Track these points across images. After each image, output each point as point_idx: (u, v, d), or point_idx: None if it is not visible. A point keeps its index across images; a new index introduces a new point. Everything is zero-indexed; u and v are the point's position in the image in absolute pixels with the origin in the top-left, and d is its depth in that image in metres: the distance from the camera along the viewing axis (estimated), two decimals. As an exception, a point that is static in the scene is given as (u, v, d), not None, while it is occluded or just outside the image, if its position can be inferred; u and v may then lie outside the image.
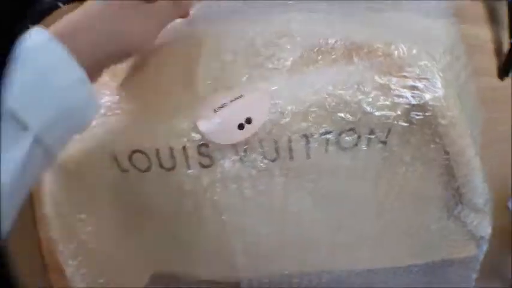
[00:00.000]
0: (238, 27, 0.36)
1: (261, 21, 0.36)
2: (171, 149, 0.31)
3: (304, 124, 0.31)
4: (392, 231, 0.38)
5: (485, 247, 0.40)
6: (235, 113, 0.30)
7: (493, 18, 0.48)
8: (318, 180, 0.33)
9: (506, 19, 0.46)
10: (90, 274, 0.39)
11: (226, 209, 0.33)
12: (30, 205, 0.49)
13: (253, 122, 0.30)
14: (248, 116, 0.30)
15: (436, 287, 0.43)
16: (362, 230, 0.37)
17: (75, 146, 0.32)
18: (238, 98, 0.31)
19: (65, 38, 0.24)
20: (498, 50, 0.48)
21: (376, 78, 0.30)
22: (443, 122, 0.30)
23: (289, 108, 0.31)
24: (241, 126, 0.30)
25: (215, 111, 0.31)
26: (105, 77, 0.38)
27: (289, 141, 0.31)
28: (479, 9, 0.48)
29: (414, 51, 0.31)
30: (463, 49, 0.37)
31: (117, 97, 0.35)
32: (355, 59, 0.32)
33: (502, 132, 0.45)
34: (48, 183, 0.35)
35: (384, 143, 0.32)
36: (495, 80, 0.47)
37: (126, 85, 0.36)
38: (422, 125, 0.31)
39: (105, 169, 0.33)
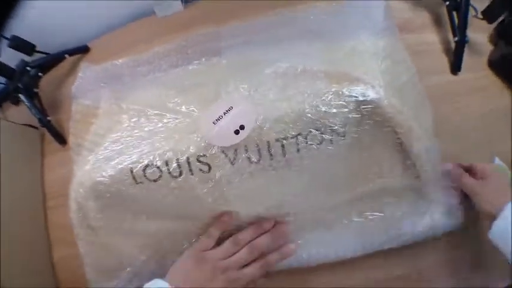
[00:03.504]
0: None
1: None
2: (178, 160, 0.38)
3: (278, 129, 0.38)
4: (361, 207, 0.44)
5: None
6: (230, 121, 0.37)
7: (438, 23, 0.56)
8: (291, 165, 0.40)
9: (449, 22, 0.54)
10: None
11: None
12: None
13: (246, 127, 0.36)
14: (241, 123, 0.37)
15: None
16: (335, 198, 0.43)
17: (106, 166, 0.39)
18: (229, 110, 0.38)
19: None
20: (447, 50, 0.55)
21: (331, 87, 0.39)
22: (389, 111, 0.38)
23: (268, 117, 0.37)
24: (236, 132, 0.36)
25: (214, 123, 0.38)
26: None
27: (268, 144, 0.38)
28: (425, 18, 0.57)
29: (359, 63, 0.41)
30: (405, 55, 0.46)
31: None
32: (315, 78, 0.41)
33: (457, 122, 0.51)
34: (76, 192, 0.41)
35: (343, 134, 0.39)
36: (447, 76, 0.54)
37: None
38: (372, 114, 0.39)
39: (124, 182, 0.39)
